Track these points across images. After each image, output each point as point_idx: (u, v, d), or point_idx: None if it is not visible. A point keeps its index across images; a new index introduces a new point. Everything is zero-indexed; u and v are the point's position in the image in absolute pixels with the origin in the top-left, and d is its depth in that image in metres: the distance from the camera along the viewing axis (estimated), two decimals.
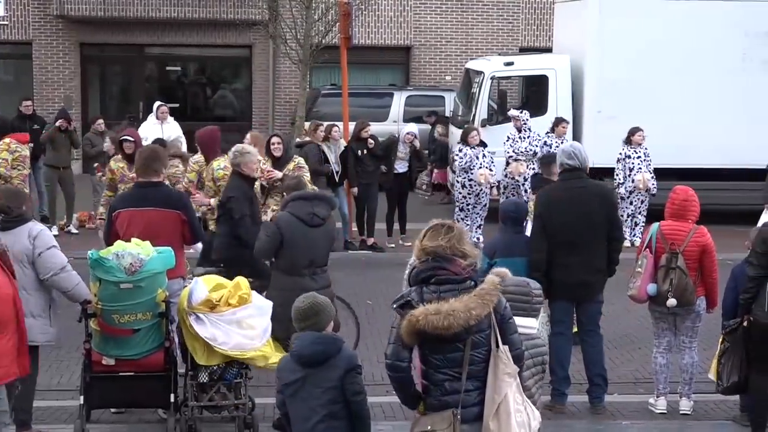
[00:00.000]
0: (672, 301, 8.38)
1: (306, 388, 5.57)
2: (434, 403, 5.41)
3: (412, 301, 5.36)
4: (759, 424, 7.93)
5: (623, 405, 8.86)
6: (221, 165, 10.24)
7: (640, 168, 15.73)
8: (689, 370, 8.64)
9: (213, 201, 10.14)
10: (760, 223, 9.59)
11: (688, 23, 17.38)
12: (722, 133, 16.94)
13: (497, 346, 5.37)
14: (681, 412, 8.67)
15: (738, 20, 17.47)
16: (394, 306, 5.47)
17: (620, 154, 15.81)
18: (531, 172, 14.99)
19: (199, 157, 10.85)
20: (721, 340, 8.23)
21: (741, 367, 7.93)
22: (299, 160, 11.83)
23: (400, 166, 15.96)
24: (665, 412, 8.67)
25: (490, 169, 15.43)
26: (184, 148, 15.06)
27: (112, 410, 8.20)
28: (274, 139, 11.71)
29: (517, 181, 16.14)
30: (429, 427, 5.40)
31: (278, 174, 11.04)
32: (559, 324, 8.45)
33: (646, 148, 15.77)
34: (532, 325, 6.13)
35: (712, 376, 8.30)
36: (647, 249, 8.53)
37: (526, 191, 15.54)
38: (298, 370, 5.60)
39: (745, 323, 7.88)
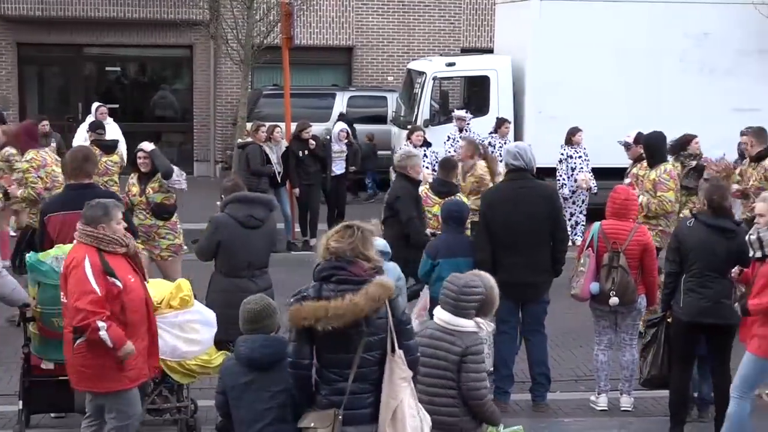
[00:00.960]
0: (614, 300, 8.48)
1: (253, 392, 5.56)
2: (322, 402, 5.43)
3: (308, 297, 5.39)
4: (678, 420, 8.09)
5: (565, 402, 8.95)
6: (28, 157, 10.93)
7: (581, 168, 15.88)
8: (630, 368, 8.75)
9: (20, 192, 10.84)
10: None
11: (627, 25, 17.59)
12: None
13: (393, 350, 5.37)
14: (622, 408, 8.78)
15: (677, 22, 17.74)
16: (291, 300, 5.49)
17: (561, 154, 15.95)
18: None
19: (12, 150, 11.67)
20: (643, 332, 8.41)
21: (662, 361, 8.11)
22: None
23: (338, 167, 15.96)
24: (606, 409, 8.77)
25: (434, 170, 15.46)
26: (123, 148, 14.92)
27: (52, 415, 8.09)
28: (141, 153, 10.31)
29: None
30: (312, 424, 5.43)
31: None
32: (503, 324, 8.50)
33: (584, 148, 15.93)
34: (448, 320, 6.12)
35: None
36: (589, 248, 8.62)
37: None
38: (245, 373, 5.58)
39: (668, 319, 8.08)
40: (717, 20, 17.89)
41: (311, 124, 15.74)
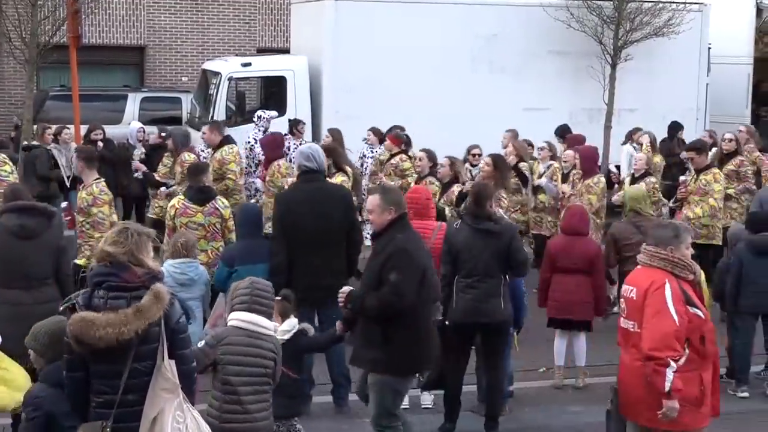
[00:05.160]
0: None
1: None
2: (93, 414, 5.29)
3: (77, 305, 5.23)
4: (452, 418, 8.36)
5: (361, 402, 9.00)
6: None
7: None
8: None
9: None
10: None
11: (422, 25, 17.94)
12: (456, 134, 17.60)
13: (162, 359, 5.26)
14: (423, 406, 8.95)
15: (468, 23, 18.23)
16: (60, 309, 5.35)
17: (360, 152, 16.05)
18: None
19: None
20: None
21: (439, 364, 8.28)
22: None
23: (138, 172, 15.57)
24: (407, 407, 8.89)
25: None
26: None
27: None
28: None
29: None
30: None
31: None
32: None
33: (381, 148, 16.07)
34: (255, 321, 6.25)
35: None
36: None
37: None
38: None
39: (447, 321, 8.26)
40: (506, 21, 18.51)
41: (102, 126, 15.30)
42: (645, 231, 9.67)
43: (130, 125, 16.56)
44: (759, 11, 21.80)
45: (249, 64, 18.84)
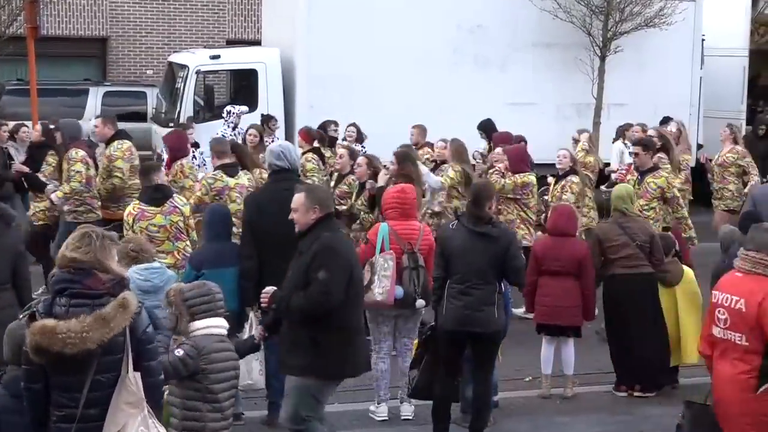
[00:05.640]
0: (421, 302, 8.68)
1: None
2: (52, 428, 5.27)
3: (37, 313, 5.21)
4: (441, 428, 8.34)
5: (342, 414, 9.00)
6: None
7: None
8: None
9: None
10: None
11: (400, 16, 17.95)
12: (437, 130, 17.57)
13: (127, 371, 5.24)
14: (402, 417, 8.95)
15: (450, 14, 18.26)
16: (20, 317, 5.34)
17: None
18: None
19: None
20: (415, 345, 8.63)
21: (429, 371, 8.30)
22: None
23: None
24: (386, 418, 8.91)
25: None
26: None
27: None
28: None
29: None
30: None
31: None
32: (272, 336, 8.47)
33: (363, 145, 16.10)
34: (222, 324, 6.36)
35: None
36: (385, 250, 8.70)
37: None
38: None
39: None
40: (490, 12, 18.54)
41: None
42: (631, 232, 9.75)
43: (91, 121, 16.48)
44: (754, 1, 21.94)
45: (218, 57, 18.80)
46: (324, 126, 15.54)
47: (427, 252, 8.78)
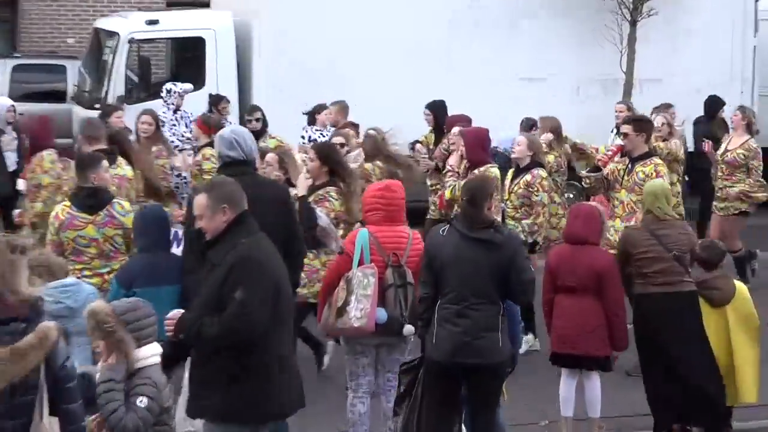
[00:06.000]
0: (410, 328, 8.59)
1: None
2: None
3: None
4: None
5: None
6: None
7: None
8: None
9: None
10: None
11: None
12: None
13: (41, 417, 5.25)
14: None
15: None
16: None
17: (302, 138, 15.98)
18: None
19: None
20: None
21: (418, 416, 8.23)
22: None
23: (11, 162, 15.40)
24: None
25: None
26: None
27: None
28: None
29: (185, 178, 15.55)
30: None
31: None
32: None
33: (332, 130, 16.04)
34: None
35: None
36: (365, 263, 8.65)
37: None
38: None
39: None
40: None
41: None
42: (667, 241, 9.58)
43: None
44: None
45: (156, 22, 18.79)
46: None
47: (416, 265, 8.68)
